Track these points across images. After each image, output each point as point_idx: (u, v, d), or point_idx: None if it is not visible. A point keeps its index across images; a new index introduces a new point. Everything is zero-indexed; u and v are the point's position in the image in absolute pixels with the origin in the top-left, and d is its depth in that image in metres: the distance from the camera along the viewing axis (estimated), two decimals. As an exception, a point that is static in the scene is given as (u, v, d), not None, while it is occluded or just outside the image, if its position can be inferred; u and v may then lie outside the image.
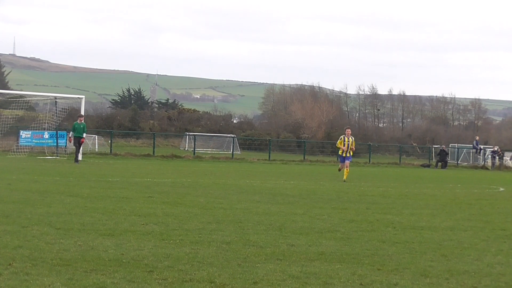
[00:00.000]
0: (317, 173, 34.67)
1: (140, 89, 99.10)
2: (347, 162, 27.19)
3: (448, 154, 55.76)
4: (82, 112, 38.42)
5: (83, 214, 12.61)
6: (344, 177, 26.81)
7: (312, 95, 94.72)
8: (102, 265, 8.01)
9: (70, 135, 34.34)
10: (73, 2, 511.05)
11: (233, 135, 62.71)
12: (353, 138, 27.70)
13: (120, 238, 9.96)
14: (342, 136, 27.68)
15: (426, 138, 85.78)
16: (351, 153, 27.58)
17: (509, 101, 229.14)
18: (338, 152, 28.36)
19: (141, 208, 14.04)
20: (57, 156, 39.31)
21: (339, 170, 27.73)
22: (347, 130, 28.15)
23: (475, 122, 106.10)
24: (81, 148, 34.81)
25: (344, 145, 27.26)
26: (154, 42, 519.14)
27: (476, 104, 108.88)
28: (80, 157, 34.34)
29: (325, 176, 31.92)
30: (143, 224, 11.53)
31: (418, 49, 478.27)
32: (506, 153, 57.97)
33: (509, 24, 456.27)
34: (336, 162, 51.66)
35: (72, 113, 47.79)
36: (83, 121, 34.36)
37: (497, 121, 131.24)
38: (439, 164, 52.67)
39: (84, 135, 34.60)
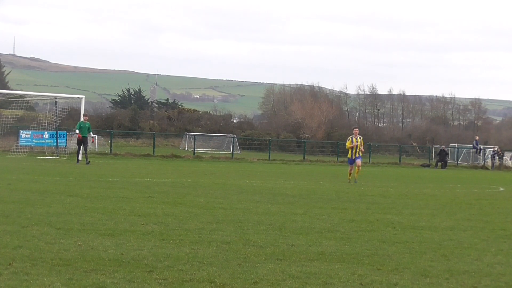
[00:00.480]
0: (317, 173, 34.67)
1: (140, 89, 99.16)
2: (358, 161, 26.33)
3: (448, 154, 55.78)
4: (82, 112, 38.47)
5: (83, 214, 12.61)
6: (356, 176, 26.23)
7: (312, 95, 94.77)
8: (102, 265, 8.00)
9: (77, 132, 34.17)
10: (73, 2, 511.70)
11: (233, 135, 62.71)
12: (361, 138, 26.71)
13: (120, 238, 9.96)
14: (350, 137, 26.81)
15: (426, 138, 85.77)
16: (360, 154, 26.57)
17: (509, 101, 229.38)
18: (347, 155, 27.22)
19: (141, 208, 14.03)
20: (57, 156, 39.32)
21: (350, 175, 26.59)
22: (354, 130, 27.18)
23: (475, 122, 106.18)
24: (82, 148, 34.24)
25: (352, 145, 26.28)
26: (154, 42, 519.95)
27: (476, 104, 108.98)
28: (80, 157, 34.31)
29: (325, 176, 31.93)
30: (143, 224, 11.53)
31: (418, 49, 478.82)
32: (506, 153, 57.98)
33: (509, 24, 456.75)
34: (336, 162, 51.82)
35: (72, 113, 47.79)
36: (87, 120, 34.48)
37: (497, 121, 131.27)
38: (439, 164, 52.69)
39: (91, 133, 34.71)
